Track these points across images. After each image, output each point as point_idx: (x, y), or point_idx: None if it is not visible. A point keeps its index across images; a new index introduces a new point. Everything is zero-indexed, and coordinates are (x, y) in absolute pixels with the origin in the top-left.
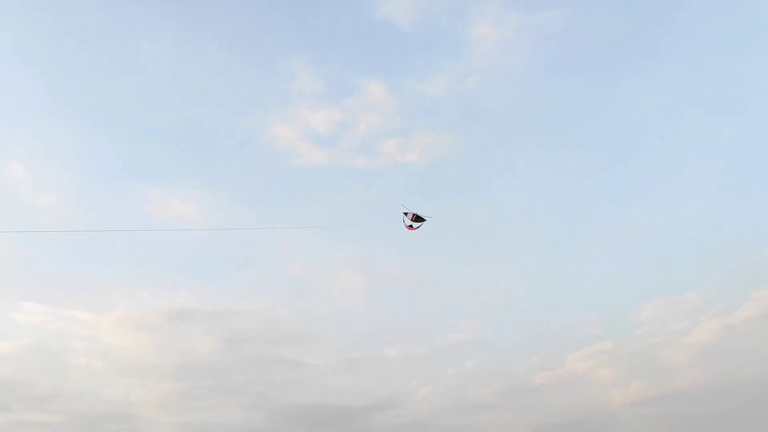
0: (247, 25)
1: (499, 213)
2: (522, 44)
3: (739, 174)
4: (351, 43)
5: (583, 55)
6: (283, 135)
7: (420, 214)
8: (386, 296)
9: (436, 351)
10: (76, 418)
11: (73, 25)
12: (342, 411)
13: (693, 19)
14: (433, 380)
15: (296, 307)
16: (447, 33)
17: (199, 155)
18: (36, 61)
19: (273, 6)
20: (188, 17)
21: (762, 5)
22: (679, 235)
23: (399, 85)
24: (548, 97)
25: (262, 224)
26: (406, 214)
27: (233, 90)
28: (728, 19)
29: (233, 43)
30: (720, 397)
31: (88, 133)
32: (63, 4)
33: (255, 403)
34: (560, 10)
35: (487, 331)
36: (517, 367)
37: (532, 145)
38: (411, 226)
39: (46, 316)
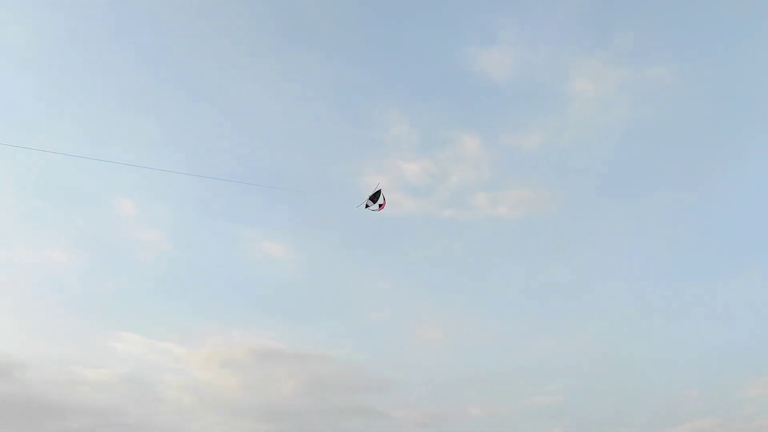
0: (343, 77)
1: (590, 273)
2: (622, 101)
3: None
4: (447, 95)
5: (687, 116)
6: (376, 183)
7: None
8: (470, 350)
9: (521, 412)
10: None
11: (185, 76)
12: None
13: None
14: None
15: (379, 355)
16: (544, 87)
17: (292, 201)
18: (149, 107)
19: (370, 58)
20: (285, 68)
21: None
22: None
23: (493, 138)
24: (647, 158)
25: (353, 269)
26: (367, 206)
27: (329, 139)
28: None
29: (329, 93)
30: None
31: (193, 179)
32: (174, 56)
33: None
34: (666, 68)
35: (576, 397)
36: None
37: (627, 207)
38: (381, 205)
39: (143, 347)
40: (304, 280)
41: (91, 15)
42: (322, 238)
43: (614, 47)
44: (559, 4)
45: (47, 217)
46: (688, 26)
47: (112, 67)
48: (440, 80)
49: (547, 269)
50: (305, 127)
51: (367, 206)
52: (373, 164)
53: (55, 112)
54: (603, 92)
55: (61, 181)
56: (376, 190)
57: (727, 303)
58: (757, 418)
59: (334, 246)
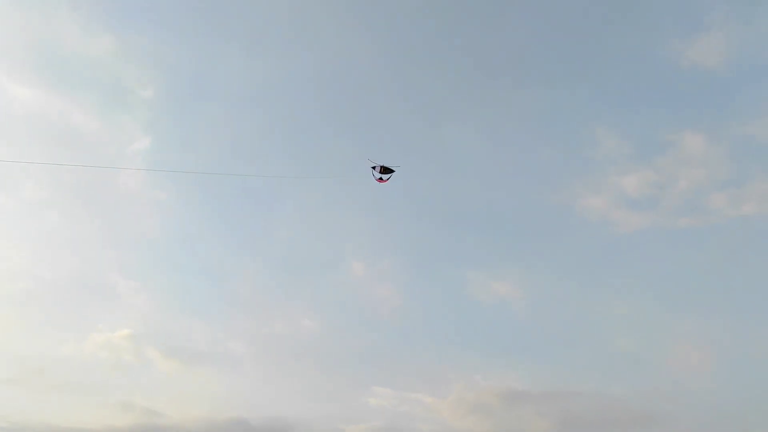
0: (543, 101)
1: None
2: None
3: None
4: (656, 98)
5: None
6: (594, 205)
7: (387, 165)
8: (744, 370)
9: None
10: None
11: (396, 125)
12: None
13: None
14: None
15: (633, 386)
16: None
17: (511, 236)
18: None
19: (568, 77)
20: (484, 101)
21: None
22: None
23: (721, 133)
24: None
25: (586, 297)
26: (374, 168)
27: (537, 167)
28: None
29: (530, 120)
30: None
31: (410, 229)
32: (378, 110)
33: None
34: None
35: None
36: None
37: None
38: (381, 179)
39: (394, 400)
40: (537, 315)
41: None
42: (548, 269)
43: None
44: None
45: (295, 288)
46: None
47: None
48: (646, 83)
49: None
50: (512, 158)
51: (374, 167)
52: (588, 185)
53: None
54: None
55: (302, 254)
56: (393, 168)
57: None
58: None
59: (561, 276)
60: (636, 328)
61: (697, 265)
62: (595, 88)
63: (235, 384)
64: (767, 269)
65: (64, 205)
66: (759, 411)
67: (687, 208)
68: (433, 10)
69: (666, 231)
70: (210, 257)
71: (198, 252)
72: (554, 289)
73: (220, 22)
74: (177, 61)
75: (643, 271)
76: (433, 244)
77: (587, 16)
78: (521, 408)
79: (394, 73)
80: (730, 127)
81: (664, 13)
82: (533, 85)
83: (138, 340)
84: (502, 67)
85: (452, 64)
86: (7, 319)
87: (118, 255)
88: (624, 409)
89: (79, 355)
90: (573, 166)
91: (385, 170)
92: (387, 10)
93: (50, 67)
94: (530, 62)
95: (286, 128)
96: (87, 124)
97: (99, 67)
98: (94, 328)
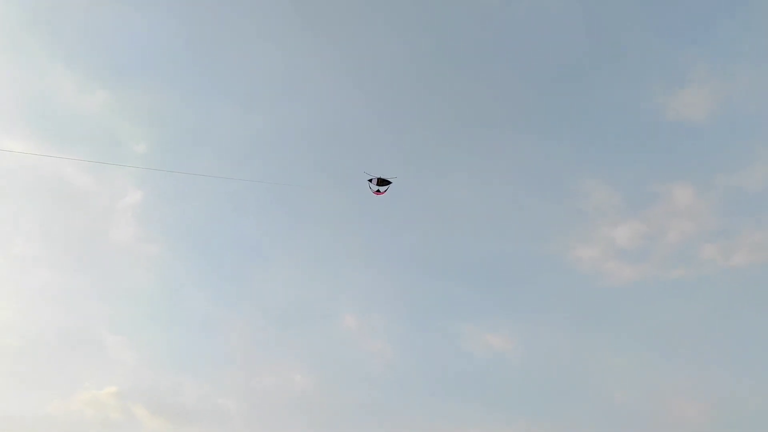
0: (533, 153)
1: None
2: None
3: None
4: (644, 150)
5: None
6: (586, 256)
7: (384, 177)
8: (737, 422)
9: None
10: None
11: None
12: None
13: None
14: None
15: None
16: (754, 115)
17: (504, 288)
18: (354, 229)
19: (557, 129)
20: (478, 154)
21: None
22: None
23: (708, 184)
24: None
25: (582, 350)
26: (370, 180)
27: (529, 219)
28: None
29: (521, 172)
30: None
31: (402, 282)
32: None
33: None
34: None
35: None
36: None
37: None
38: (378, 191)
39: None
40: (532, 367)
41: None
42: (542, 321)
43: None
44: (751, 24)
45: (286, 341)
46: None
47: None
48: (634, 135)
49: None
50: (504, 210)
51: (370, 180)
52: (580, 237)
53: None
54: None
55: (294, 306)
56: (390, 180)
57: None
58: None
59: (556, 328)
60: (633, 380)
61: (692, 317)
62: (585, 140)
63: None
64: (760, 321)
65: (54, 260)
66: None
67: (678, 259)
68: (424, 62)
69: (659, 282)
70: (200, 311)
71: (188, 305)
72: (549, 341)
73: (214, 77)
74: (171, 115)
75: (638, 322)
76: (425, 296)
77: (576, 70)
78: None
79: (386, 126)
80: (716, 179)
81: (649, 68)
82: (524, 136)
83: (125, 398)
84: (494, 119)
85: (444, 115)
86: None
87: (107, 310)
88: None
89: (65, 413)
90: (564, 217)
91: (382, 182)
92: (379, 63)
93: (44, 121)
94: (521, 114)
95: (280, 181)
96: (79, 179)
97: (92, 122)
98: (81, 386)
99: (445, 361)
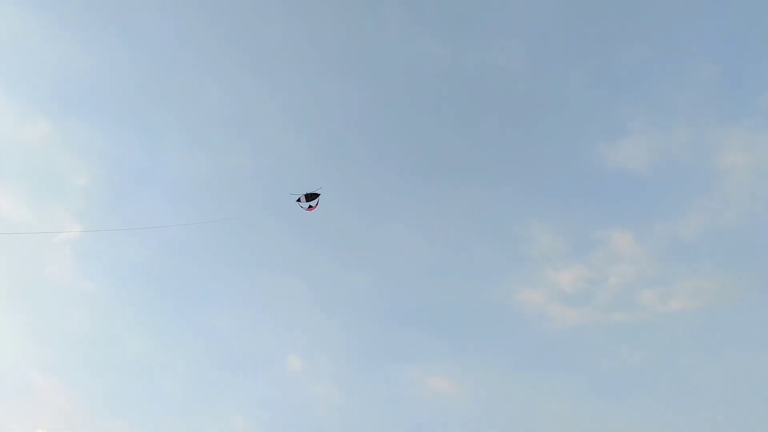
0: (478, 200)
1: None
2: None
3: None
4: (587, 197)
5: None
6: (531, 299)
7: (310, 191)
8: None
9: None
10: None
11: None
12: None
13: None
14: None
15: None
16: (690, 167)
17: (450, 331)
18: (300, 270)
19: (502, 177)
20: (424, 202)
21: None
22: None
23: (646, 231)
24: None
25: (527, 394)
26: (298, 200)
27: (474, 263)
28: None
29: (467, 218)
30: None
31: (349, 324)
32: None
33: None
34: None
35: None
36: None
37: None
38: (310, 206)
39: None
40: (476, 411)
41: None
42: (487, 365)
43: (761, 111)
44: (687, 82)
45: (227, 385)
46: None
47: None
48: (577, 183)
49: (756, 361)
50: (449, 255)
51: (298, 200)
52: (525, 281)
53: None
54: (759, 162)
55: (235, 348)
56: (317, 192)
57: None
58: None
59: (501, 372)
60: (577, 425)
61: (633, 361)
62: (529, 188)
63: None
64: (697, 365)
65: None
66: None
67: (620, 303)
68: (370, 114)
69: (601, 326)
70: (137, 353)
71: (125, 347)
72: (494, 385)
73: (161, 113)
74: (115, 149)
75: (582, 366)
76: (372, 338)
77: (522, 119)
78: None
79: (332, 172)
80: (654, 226)
81: (590, 119)
82: (469, 185)
83: None
84: (440, 167)
85: (389, 162)
86: None
87: (39, 349)
88: None
89: None
90: (509, 261)
91: (310, 197)
92: (326, 111)
93: None
94: (466, 164)
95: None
96: (16, 211)
97: (32, 154)
98: (7, 428)
99: (391, 404)
